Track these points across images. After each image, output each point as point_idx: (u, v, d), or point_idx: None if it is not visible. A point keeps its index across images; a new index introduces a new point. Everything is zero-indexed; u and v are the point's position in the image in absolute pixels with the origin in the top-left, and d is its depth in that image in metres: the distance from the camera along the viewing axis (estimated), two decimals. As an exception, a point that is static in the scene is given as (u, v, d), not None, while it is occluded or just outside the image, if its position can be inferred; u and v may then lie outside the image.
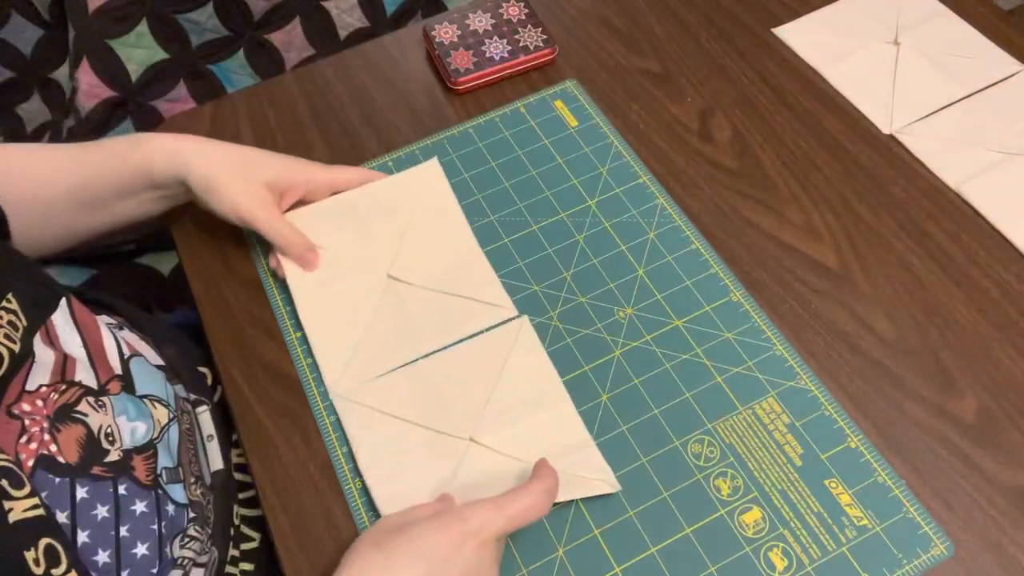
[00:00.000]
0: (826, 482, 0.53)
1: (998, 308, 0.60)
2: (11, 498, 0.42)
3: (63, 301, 0.55)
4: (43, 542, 0.43)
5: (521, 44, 0.76)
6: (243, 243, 0.67)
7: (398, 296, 0.63)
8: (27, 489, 0.44)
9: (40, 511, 0.44)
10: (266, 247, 0.66)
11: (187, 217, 0.69)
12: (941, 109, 0.71)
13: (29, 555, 0.42)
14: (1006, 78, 0.72)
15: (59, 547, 0.44)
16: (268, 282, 0.65)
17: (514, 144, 0.71)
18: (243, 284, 0.65)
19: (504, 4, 0.79)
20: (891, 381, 0.57)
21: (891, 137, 0.70)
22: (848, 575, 0.50)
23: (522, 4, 0.79)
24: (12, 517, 0.42)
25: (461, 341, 0.60)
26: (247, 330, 0.63)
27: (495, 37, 0.77)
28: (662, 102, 0.73)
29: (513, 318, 0.61)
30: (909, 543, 0.51)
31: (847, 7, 0.78)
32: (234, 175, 0.61)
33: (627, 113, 0.73)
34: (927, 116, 0.70)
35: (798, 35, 0.77)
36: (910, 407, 0.56)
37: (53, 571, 0.43)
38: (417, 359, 0.60)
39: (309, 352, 0.61)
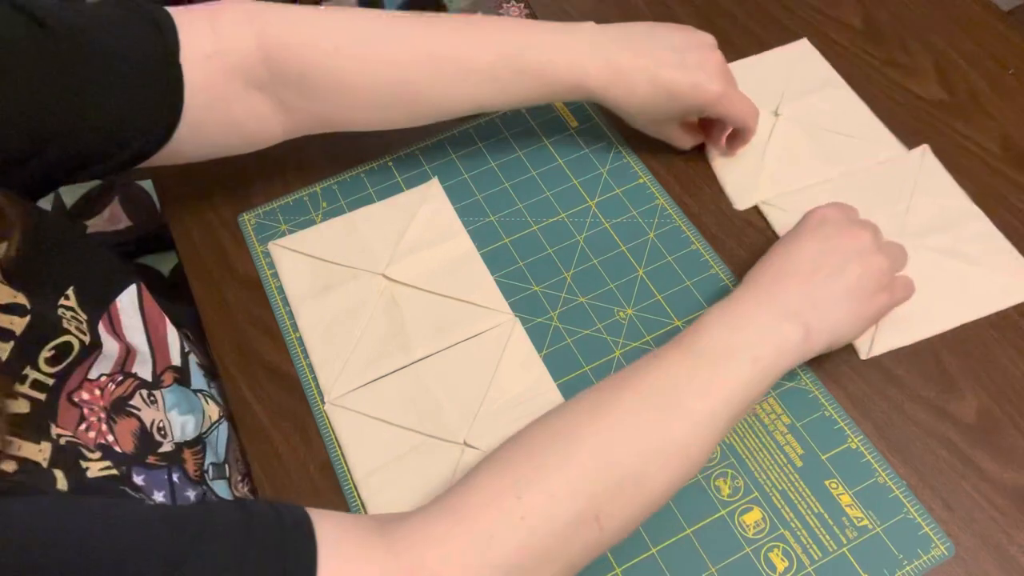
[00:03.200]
0: (826, 483, 0.53)
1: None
2: (87, 459, 0.45)
3: (132, 287, 0.56)
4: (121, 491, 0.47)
5: (521, 44, 0.76)
6: (243, 243, 0.67)
7: (393, 299, 0.62)
8: (99, 454, 0.46)
9: (114, 471, 0.47)
10: (266, 247, 0.66)
11: (187, 217, 0.69)
12: (809, 186, 0.65)
13: None
14: (884, 161, 0.66)
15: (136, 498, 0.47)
16: (268, 282, 0.65)
17: (514, 144, 0.71)
18: (243, 284, 0.65)
19: (504, 5, 0.79)
20: (891, 381, 0.57)
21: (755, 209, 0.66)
22: None
23: (522, 5, 0.79)
24: (90, 474, 0.45)
25: (454, 345, 0.60)
26: (247, 330, 0.63)
27: (495, 37, 0.77)
28: (662, 102, 0.73)
29: (505, 321, 0.61)
30: (909, 543, 0.51)
31: (751, 66, 0.74)
32: (649, 119, 0.65)
33: (627, 113, 0.73)
34: (793, 192, 0.65)
35: None
36: (910, 407, 0.56)
37: None
38: (410, 364, 0.60)
39: (309, 352, 0.61)
